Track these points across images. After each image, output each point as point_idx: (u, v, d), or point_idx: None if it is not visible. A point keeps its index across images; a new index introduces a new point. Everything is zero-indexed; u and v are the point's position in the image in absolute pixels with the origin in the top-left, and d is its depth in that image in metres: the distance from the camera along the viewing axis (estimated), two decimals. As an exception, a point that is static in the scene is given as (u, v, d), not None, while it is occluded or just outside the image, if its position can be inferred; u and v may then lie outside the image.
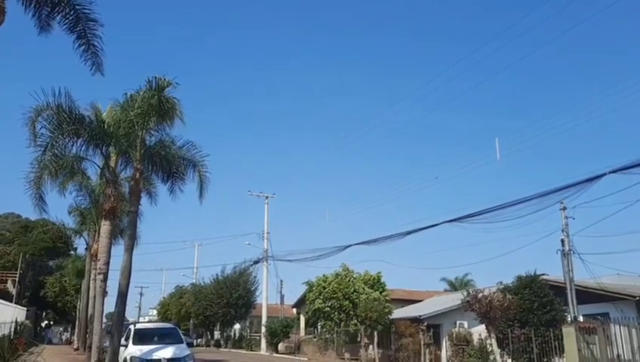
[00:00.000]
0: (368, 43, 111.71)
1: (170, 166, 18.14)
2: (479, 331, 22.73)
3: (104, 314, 21.21)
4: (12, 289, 44.55)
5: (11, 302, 35.62)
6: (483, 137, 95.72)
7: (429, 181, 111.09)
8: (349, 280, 32.64)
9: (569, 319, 20.18)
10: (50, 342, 43.79)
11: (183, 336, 17.73)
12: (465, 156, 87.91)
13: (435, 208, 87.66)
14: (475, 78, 79.42)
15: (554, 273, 24.87)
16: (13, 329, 18.57)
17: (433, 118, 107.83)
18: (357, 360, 28.98)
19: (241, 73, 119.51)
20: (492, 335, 19.35)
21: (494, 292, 20.24)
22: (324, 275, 33.99)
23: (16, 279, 46.44)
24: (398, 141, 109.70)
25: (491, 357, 20.61)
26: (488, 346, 21.23)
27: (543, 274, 24.02)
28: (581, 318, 20.71)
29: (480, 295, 19.54)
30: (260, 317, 41.95)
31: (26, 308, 38.20)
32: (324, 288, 32.73)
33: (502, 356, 20.44)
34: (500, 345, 20.11)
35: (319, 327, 35.36)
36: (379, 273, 33.63)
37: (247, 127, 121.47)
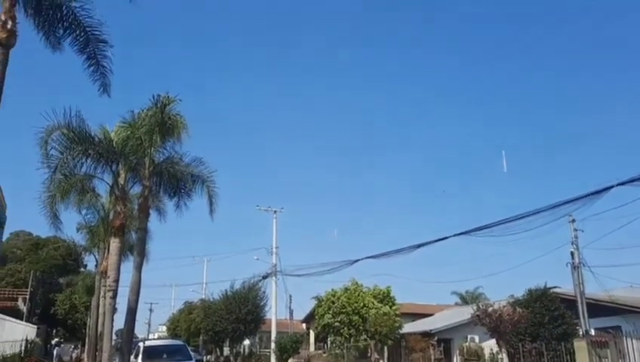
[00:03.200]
0: (370, 58, 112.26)
1: (178, 182, 18.28)
2: (490, 345, 22.56)
3: (114, 331, 21.27)
4: (23, 307, 44.68)
5: (22, 319, 35.72)
6: (490, 149, 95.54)
7: (437, 194, 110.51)
8: (359, 295, 32.49)
9: (581, 333, 19.99)
10: (60, 360, 43.84)
11: (191, 353, 17.76)
12: (472, 168, 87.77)
13: (445, 221, 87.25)
14: (477, 91, 79.74)
15: (565, 286, 24.68)
16: (23, 348, 18.64)
17: (439, 129, 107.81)
18: (367, 375, 28.81)
19: (248, 83, 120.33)
20: (503, 349, 19.23)
21: (504, 306, 20.12)
22: (333, 290, 33.89)
23: (27, 297, 46.61)
24: (404, 154, 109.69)
25: (503, 371, 20.43)
26: (500, 360, 21.05)
27: (554, 287, 23.84)
28: (593, 332, 20.49)
29: (490, 309, 19.46)
30: (270, 332, 41.78)
31: (36, 326, 38.28)
32: (333, 303, 32.60)
33: (513, 370, 20.27)
34: (511, 360, 19.96)
35: (329, 342, 35.17)
36: (388, 287, 33.47)
37: (256, 139, 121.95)
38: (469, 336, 26.31)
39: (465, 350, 25.02)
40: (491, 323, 18.99)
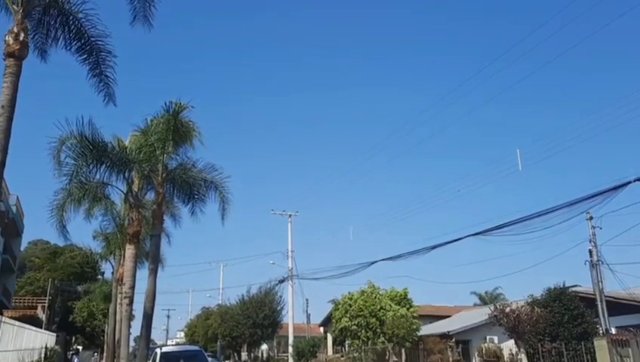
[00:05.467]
0: (388, 59, 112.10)
1: (191, 188, 18.34)
2: (509, 346, 22.28)
3: (131, 338, 21.37)
4: (42, 315, 45.19)
5: (41, 327, 36.09)
6: (502, 149, 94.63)
7: (452, 195, 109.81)
8: (375, 297, 32.32)
9: (601, 331, 19.66)
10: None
11: (209, 358, 17.74)
12: (487, 168, 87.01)
13: (460, 221, 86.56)
14: (489, 91, 79.05)
15: (584, 284, 24.32)
16: (43, 356, 18.79)
17: (453, 130, 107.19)
18: (385, 378, 28.62)
19: (265, 90, 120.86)
20: (522, 349, 18.98)
21: (522, 306, 19.86)
22: (349, 293, 33.77)
23: (46, 305, 47.15)
24: (419, 155, 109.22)
25: (522, 372, 20.15)
26: (519, 361, 20.78)
27: (573, 286, 23.50)
28: (613, 330, 20.13)
29: (507, 309, 19.22)
30: (287, 336, 41.76)
31: (55, 334, 38.63)
32: (350, 306, 32.46)
33: (533, 371, 19.99)
34: (530, 360, 19.70)
35: (347, 346, 35.01)
36: (405, 289, 33.27)
37: (270, 143, 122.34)
38: (487, 337, 25.99)
39: (484, 351, 24.69)
40: (509, 323, 18.76)
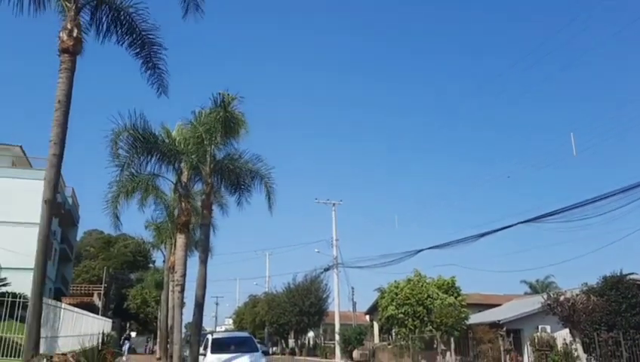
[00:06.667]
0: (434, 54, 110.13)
1: (238, 178, 18.51)
2: (563, 335, 21.68)
3: (183, 324, 21.93)
4: (98, 302, 47.04)
5: (98, 314, 37.57)
6: (557, 131, 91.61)
7: (502, 180, 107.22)
8: (422, 286, 32.03)
9: (662, 321, 18.87)
10: (134, 352, 45.80)
11: (258, 345, 18.02)
12: (539, 151, 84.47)
13: (509, 208, 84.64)
14: (547, 68, 76.23)
15: (642, 272, 23.36)
16: (100, 341, 19.51)
17: (504, 111, 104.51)
18: (434, 367, 28.39)
19: (311, 81, 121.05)
20: (577, 339, 18.42)
21: (577, 295, 19.25)
22: (395, 281, 33.59)
23: (102, 292, 49.05)
24: (465, 141, 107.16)
25: (577, 362, 19.59)
26: (574, 351, 20.21)
27: (631, 274, 22.62)
28: (675, 319, 19.30)
29: (562, 298, 18.68)
30: (333, 324, 42.04)
31: (111, 320, 40.14)
32: (397, 294, 32.29)
33: (589, 361, 19.38)
34: (586, 350, 19.10)
35: (393, 334, 34.91)
36: (453, 277, 32.82)
37: (315, 133, 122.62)
38: (539, 326, 25.32)
39: (536, 340, 24.08)
40: (564, 312, 18.22)
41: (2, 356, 15.46)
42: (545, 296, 19.75)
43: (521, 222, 22.61)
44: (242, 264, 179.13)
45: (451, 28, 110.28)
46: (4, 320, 18.00)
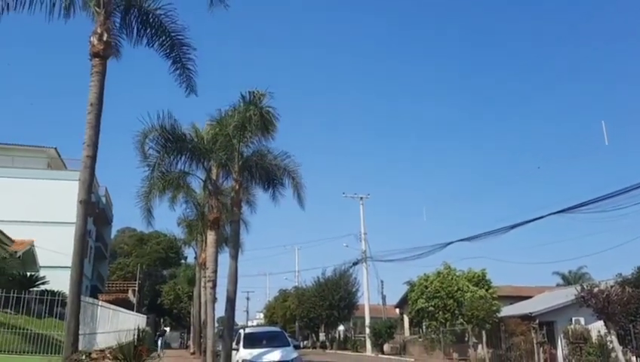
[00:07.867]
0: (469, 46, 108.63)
1: (269, 174, 18.64)
2: (598, 327, 21.30)
3: (215, 319, 22.29)
4: (133, 299, 48.07)
5: (132, 310, 38.44)
6: (589, 119, 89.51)
7: (532, 171, 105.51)
8: (452, 279, 31.86)
9: (700, 312, 18.38)
10: (169, 347, 46.61)
11: (289, 339, 18.18)
12: (569, 142, 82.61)
13: (539, 199, 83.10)
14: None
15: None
16: (136, 336, 19.98)
17: (532, 103, 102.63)
18: (466, 360, 28.21)
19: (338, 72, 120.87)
20: (612, 331, 18.06)
21: (612, 286, 18.87)
22: (425, 274, 33.48)
23: (136, 288, 50.10)
24: (493, 133, 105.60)
25: (613, 354, 19.24)
26: (609, 343, 19.86)
27: (667, 264, 22.08)
28: None
29: (596, 289, 18.33)
30: (363, 318, 42.10)
31: (146, 316, 41.02)
32: (426, 287, 32.19)
33: (625, 353, 19.03)
34: (621, 342, 18.74)
35: (424, 327, 34.83)
36: (483, 270, 32.54)
37: (340, 128, 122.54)
38: (573, 319, 24.88)
39: (570, 333, 23.69)
40: (598, 304, 17.87)
41: (43, 353, 15.93)
42: (578, 288, 19.41)
43: (553, 213, 22.32)
44: (272, 259, 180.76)
45: (485, 20, 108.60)
46: (44, 317, 18.59)
